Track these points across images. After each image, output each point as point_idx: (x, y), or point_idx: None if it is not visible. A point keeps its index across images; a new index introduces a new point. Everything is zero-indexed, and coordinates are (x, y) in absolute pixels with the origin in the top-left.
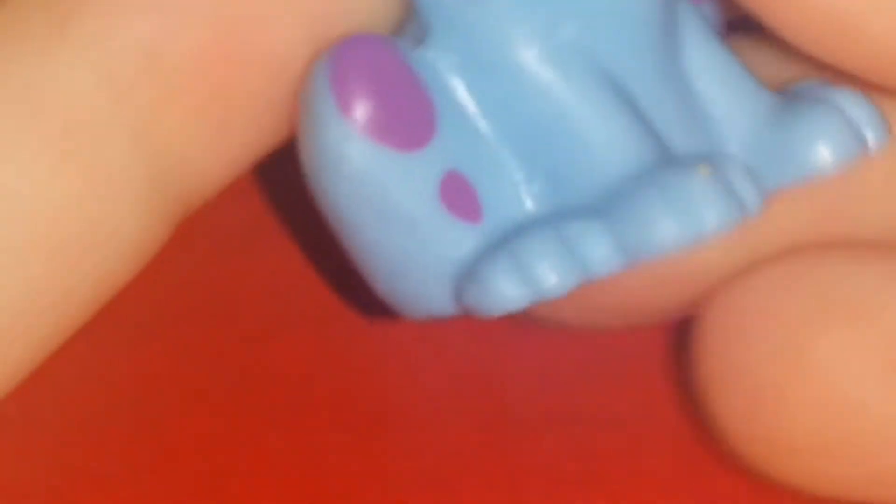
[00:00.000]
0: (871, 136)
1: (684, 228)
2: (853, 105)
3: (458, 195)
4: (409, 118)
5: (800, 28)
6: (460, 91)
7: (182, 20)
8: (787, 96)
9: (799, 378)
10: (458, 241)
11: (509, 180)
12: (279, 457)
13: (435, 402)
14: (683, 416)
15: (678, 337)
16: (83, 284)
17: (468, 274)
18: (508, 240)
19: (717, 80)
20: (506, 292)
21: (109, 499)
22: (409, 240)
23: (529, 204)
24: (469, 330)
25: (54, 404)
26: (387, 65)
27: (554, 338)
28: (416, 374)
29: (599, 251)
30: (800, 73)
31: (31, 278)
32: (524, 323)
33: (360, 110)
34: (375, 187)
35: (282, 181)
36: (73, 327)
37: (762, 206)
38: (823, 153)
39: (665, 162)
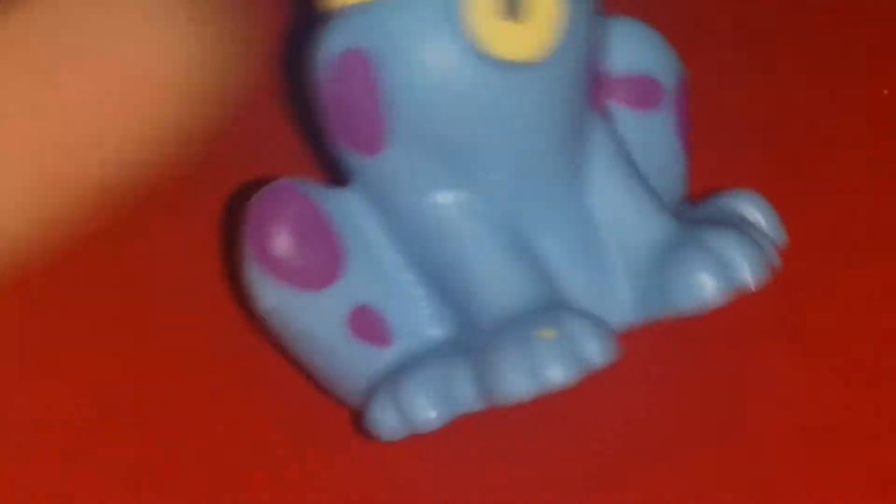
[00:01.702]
0: (748, 275)
1: (531, 383)
2: (733, 246)
3: (367, 324)
4: (319, 260)
5: None
6: (375, 230)
7: None
8: (687, 223)
9: None
10: (368, 363)
11: (418, 309)
12: (278, 456)
13: None
14: (682, 418)
15: None
16: None
17: (363, 401)
18: (395, 374)
19: (617, 210)
20: (385, 424)
21: (110, 495)
22: (325, 362)
23: (437, 330)
24: None
25: (52, 406)
26: (302, 211)
27: None
28: None
29: (466, 394)
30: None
31: None
32: None
33: (271, 256)
34: (288, 321)
35: None
36: None
37: (611, 356)
38: (697, 293)
39: (536, 313)
